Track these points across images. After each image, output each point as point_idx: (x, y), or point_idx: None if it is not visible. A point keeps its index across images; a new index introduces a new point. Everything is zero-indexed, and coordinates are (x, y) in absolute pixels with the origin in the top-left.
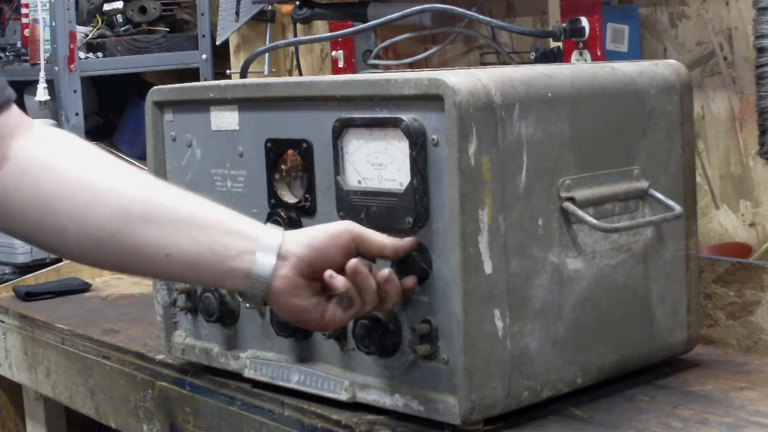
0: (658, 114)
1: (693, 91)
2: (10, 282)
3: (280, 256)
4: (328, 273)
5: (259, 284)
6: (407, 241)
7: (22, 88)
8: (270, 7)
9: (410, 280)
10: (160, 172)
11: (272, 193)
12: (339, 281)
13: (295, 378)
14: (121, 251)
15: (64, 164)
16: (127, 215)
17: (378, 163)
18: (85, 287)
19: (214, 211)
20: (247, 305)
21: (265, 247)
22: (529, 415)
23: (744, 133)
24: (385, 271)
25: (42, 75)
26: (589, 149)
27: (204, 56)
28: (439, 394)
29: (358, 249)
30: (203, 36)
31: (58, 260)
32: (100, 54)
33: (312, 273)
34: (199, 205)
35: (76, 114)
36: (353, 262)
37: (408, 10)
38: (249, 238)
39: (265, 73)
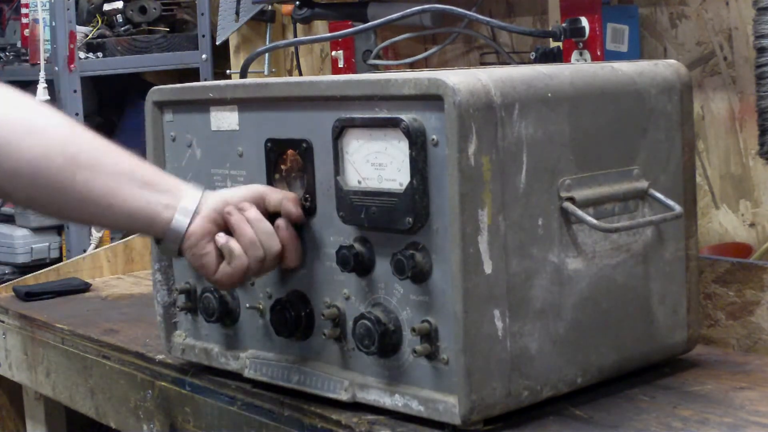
0: (658, 114)
1: (693, 91)
2: (10, 282)
3: (198, 209)
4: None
5: (178, 230)
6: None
7: (22, 88)
8: (270, 7)
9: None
10: None
11: None
12: (218, 236)
13: (295, 378)
14: (67, 197)
15: (12, 112)
16: (77, 163)
17: (378, 163)
18: (85, 287)
19: (148, 168)
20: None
21: (187, 201)
22: (529, 415)
23: (744, 133)
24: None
25: (42, 75)
26: (589, 149)
27: (204, 56)
28: (439, 394)
29: (267, 208)
30: (203, 36)
31: (58, 260)
32: (100, 54)
33: (223, 223)
34: (135, 161)
35: (76, 114)
36: (227, 207)
37: (408, 10)
38: (176, 195)
39: (265, 73)
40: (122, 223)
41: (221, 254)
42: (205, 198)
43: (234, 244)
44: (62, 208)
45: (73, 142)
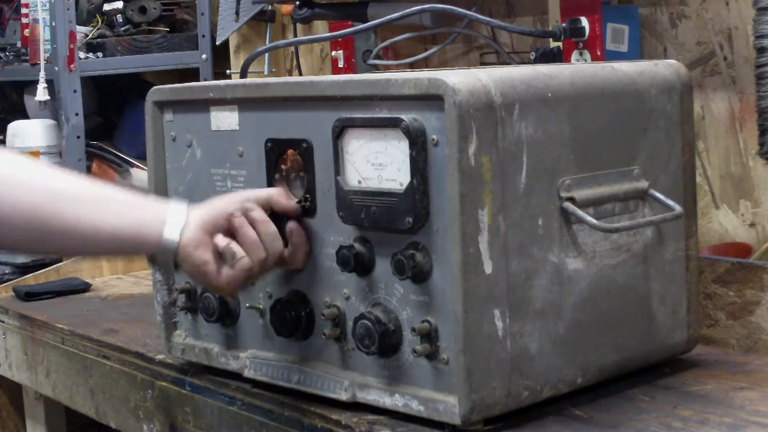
0: (658, 114)
1: (693, 91)
2: (10, 282)
3: (187, 220)
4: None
5: (171, 242)
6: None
7: (22, 88)
8: (270, 7)
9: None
10: (160, 172)
11: None
12: (219, 238)
13: (295, 378)
14: (55, 230)
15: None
16: (58, 196)
17: (378, 163)
18: (85, 287)
19: (129, 192)
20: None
21: (174, 213)
22: (529, 415)
23: (744, 133)
24: (291, 224)
25: (42, 75)
26: (589, 149)
27: (204, 56)
28: (439, 394)
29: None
30: (203, 36)
31: (58, 260)
32: (100, 54)
33: (214, 230)
34: (112, 187)
35: (76, 114)
36: (230, 209)
37: (408, 10)
38: (161, 210)
39: (265, 73)
40: (112, 246)
41: (220, 260)
42: (192, 210)
43: (236, 246)
44: (50, 244)
45: (53, 178)
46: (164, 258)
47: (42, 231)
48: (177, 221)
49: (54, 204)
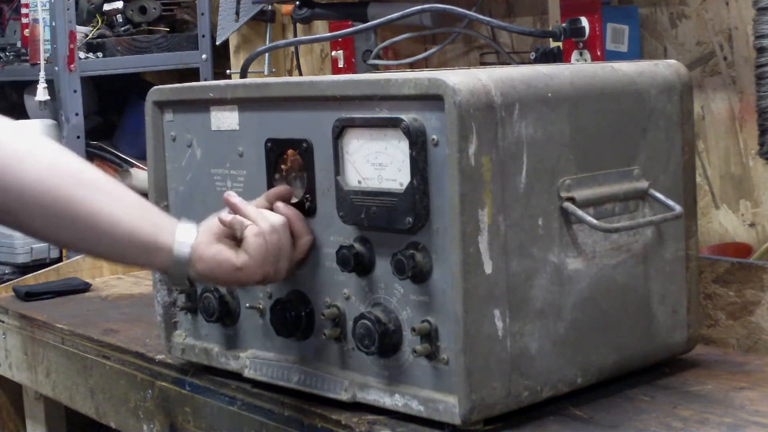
0: (658, 114)
1: (693, 91)
2: (10, 282)
3: (198, 231)
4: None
5: (184, 245)
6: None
7: (22, 88)
8: (270, 7)
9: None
10: (160, 172)
11: None
12: (223, 214)
13: (295, 378)
14: (73, 216)
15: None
16: (81, 180)
17: (378, 163)
18: (85, 287)
19: (140, 198)
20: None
21: (184, 226)
22: (529, 415)
23: (744, 133)
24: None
25: (42, 75)
26: (589, 149)
27: (204, 56)
28: (439, 394)
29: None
30: (203, 36)
31: (58, 260)
32: (100, 54)
33: (222, 234)
34: (127, 188)
35: (76, 114)
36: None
37: (408, 10)
38: (171, 219)
39: (265, 73)
40: (127, 247)
41: (233, 243)
42: (201, 225)
43: (239, 216)
44: (63, 230)
45: (74, 162)
46: (179, 269)
47: (54, 215)
48: (188, 225)
49: (74, 183)
